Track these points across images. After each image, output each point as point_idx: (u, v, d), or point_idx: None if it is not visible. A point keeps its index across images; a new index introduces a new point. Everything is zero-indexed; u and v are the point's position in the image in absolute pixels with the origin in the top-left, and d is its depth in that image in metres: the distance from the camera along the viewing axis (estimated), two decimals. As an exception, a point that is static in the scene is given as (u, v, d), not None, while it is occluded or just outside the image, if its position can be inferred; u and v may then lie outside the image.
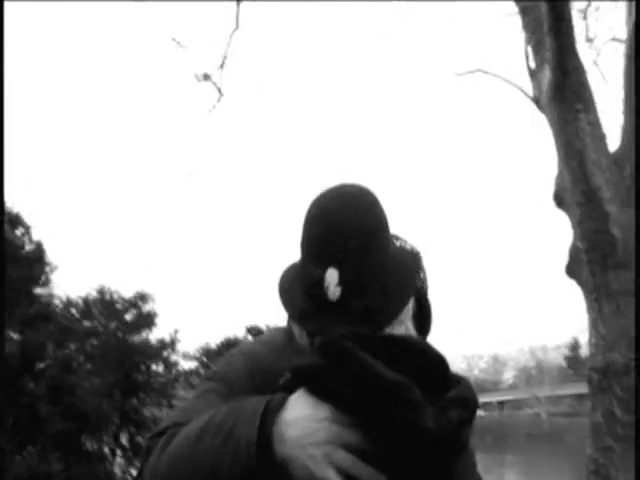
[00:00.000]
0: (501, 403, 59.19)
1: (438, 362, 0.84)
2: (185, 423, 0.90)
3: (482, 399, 51.10)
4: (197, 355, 11.86)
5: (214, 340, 12.20)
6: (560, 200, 4.50)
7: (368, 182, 1.03)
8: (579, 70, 4.21)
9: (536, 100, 4.89)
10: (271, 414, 0.82)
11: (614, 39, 5.54)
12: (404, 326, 1.00)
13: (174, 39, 6.29)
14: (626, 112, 4.20)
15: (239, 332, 11.30)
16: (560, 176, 4.51)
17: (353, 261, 0.92)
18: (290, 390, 0.84)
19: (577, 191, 4.16)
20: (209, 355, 11.61)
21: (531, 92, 5.04)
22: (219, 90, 6.04)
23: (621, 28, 5.07)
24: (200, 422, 0.87)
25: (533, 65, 4.86)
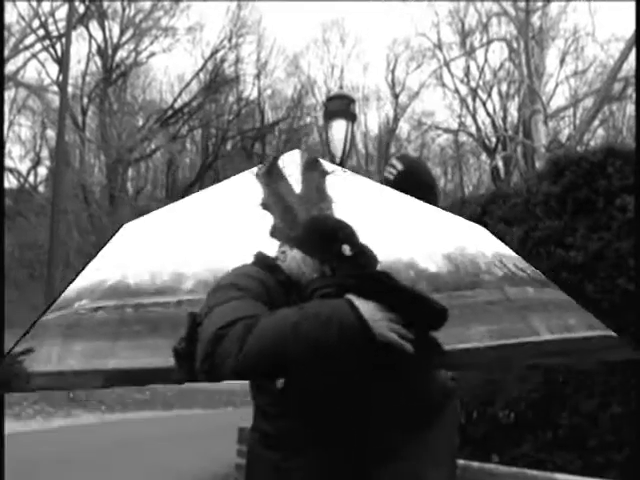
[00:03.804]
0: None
1: None
2: (246, 318, 1.22)
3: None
4: None
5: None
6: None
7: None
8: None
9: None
10: (354, 305, 1.23)
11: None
12: None
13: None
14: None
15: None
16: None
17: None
18: (331, 296, 1.27)
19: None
20: None
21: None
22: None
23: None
24: (289, 313, 1.22)
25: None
